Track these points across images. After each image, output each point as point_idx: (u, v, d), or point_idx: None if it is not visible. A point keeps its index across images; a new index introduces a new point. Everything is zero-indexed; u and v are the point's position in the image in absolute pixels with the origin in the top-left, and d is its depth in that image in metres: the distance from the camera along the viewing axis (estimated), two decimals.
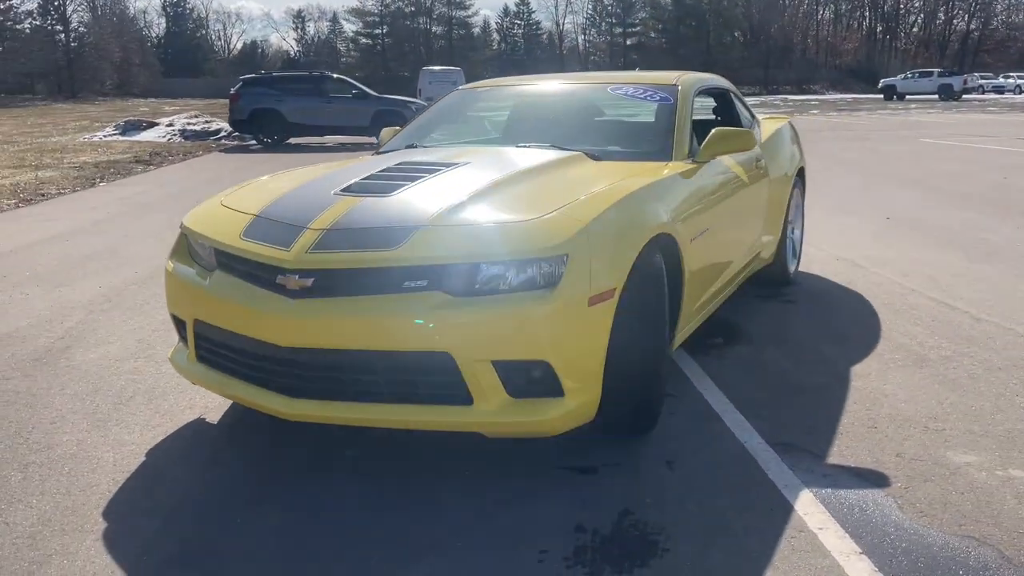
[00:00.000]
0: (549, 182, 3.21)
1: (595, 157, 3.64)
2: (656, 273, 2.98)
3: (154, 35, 76.81)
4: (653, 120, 4.06)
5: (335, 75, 20.32)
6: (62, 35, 58.90)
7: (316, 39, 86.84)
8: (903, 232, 7.16)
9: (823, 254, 6.30)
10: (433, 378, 2.66)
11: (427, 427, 2.70)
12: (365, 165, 3.57)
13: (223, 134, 20.52)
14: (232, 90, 18.78)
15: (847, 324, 4.52)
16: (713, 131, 3.77)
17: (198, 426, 3.29)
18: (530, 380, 2.67)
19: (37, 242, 7.34)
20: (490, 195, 2.99)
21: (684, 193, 3.47)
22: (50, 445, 3.13)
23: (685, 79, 4.24)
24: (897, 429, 3.17)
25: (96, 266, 6.24)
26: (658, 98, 4.03)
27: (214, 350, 3.04)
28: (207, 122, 22.16)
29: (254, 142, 18.87)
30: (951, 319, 4.57)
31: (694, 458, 2.95)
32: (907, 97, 45.69)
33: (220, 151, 17.67)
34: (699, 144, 3.86)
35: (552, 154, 3.60)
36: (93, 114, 33.04)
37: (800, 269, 5.68)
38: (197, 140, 20.11)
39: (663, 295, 3.03)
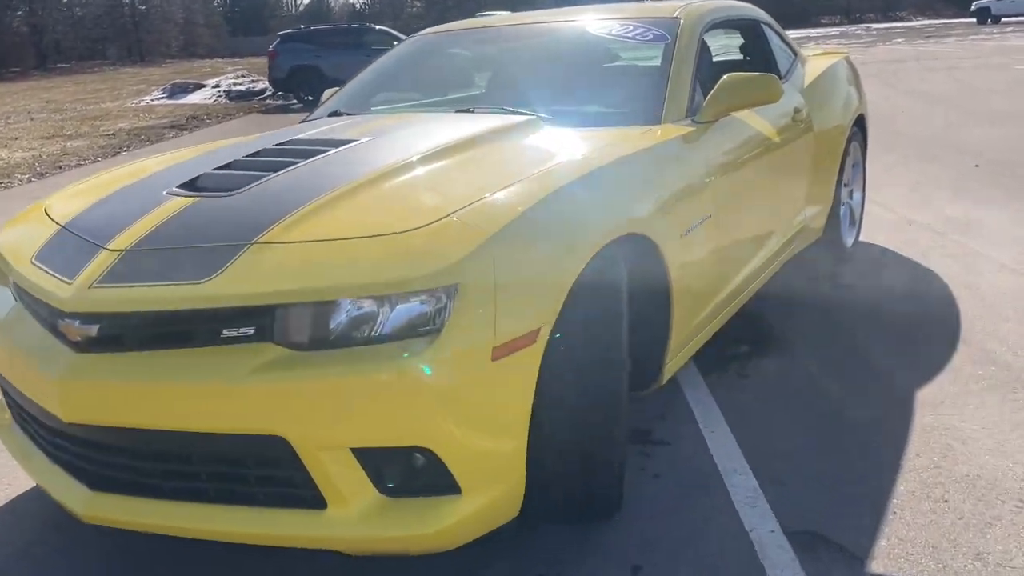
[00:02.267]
0: (467, 166, 2.29)
1: (554, 123, 2.69)
2: (612, 297, 2.07)
3: None
4: (641, 67, 3.07)
5: (376, 26, 19.42)
6: None
7: None
8: (995, 183, 5.94)
9: (892, 216, 5.20)
10: (269, 472, 1.82)
11: (263, 542, 1.86)
12: (247, 145, 2.71)
13: (267, 94, 19.90)
14: (270, 47, 18.08)
15: (914, 321, 3.50)
16: (722, 80, 2.79)
17: None
18: (411, 473, 1.80)
19: None
20: (371, 190, 2.10)
21: (674, 170, 2.52)
22: None
23: (690, 9, 3.19)
24: (978, 502, 2.20)
25: None
26: (650, 36, 3.02)
27: (19, 413, 2.27)
28: (253, 82, 21.58)
29: (296, 101, 18.19)
30: None
31: (673, 559, 2.05)
32: (1003, 20, 42.08)
33: (260, 112, 17.03)
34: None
35: (491, 122, 2.66)
36: (154, 77, 32.73)
37: (861, 239, 4.62)
38: (242, 101, 19.53)
39: (620, 328, 2.11)
